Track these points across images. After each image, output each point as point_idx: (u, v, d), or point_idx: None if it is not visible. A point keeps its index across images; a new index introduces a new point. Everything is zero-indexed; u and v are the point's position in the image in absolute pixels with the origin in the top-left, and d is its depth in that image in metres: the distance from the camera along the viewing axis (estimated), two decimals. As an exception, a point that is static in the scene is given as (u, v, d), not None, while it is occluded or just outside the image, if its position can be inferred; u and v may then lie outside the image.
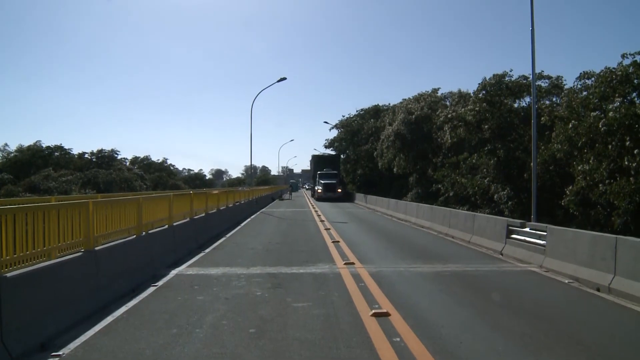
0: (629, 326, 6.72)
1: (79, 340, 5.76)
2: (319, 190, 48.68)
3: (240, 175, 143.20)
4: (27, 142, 57.66)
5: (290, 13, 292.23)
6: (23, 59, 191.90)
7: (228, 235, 17.32)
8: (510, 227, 12.77)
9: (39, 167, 48.42)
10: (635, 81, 15.86)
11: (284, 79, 38.05)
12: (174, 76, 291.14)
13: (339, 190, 48.83)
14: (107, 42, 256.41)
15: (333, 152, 63.74)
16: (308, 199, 55.97)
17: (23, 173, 46.93)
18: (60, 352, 5.34)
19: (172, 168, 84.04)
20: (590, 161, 16.06)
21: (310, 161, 63.90)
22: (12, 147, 58.81)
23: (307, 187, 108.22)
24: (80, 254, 7.16)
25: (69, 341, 5.69)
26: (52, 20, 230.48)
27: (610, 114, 15.21)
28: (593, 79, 18.48)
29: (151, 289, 8.50)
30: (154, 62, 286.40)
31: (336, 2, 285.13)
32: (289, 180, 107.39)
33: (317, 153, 66.29)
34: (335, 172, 50.69)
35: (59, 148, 57.47)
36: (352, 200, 46.40)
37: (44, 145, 56.07)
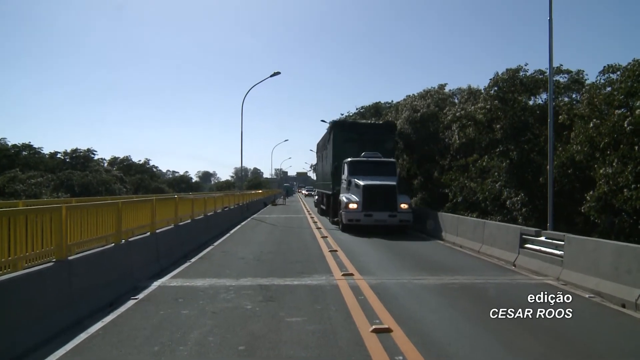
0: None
1: None
2: (352, 206, 21.68)
3: (229, 178, 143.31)
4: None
5: (285, 5, 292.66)
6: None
7: (216, 244, 17.30)
8: (524, 236, 12.77)
9: (3, 167, 47.88)
10: (668, 75, 15.84)
11: (278, 73, 38.12)
12: (159, 72, 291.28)
13: (405, 205, 21.72)
14: (84, 33, 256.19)
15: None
16: (306, 208, 46.26)
17: (-16, 174, 46.60)
18: (28, 373, 5.29)
19: (155, 170, 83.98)
20: (614, 164, 16.05)
21: (325, 139, 31.67)
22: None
23: (305, 191, 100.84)
24: (51, 264, 7.12)
25: (38, 361, 5.63)
26: (20, 5, 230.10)
27: (638, 111, 15.21)
28: (619, 73, 18.46)
29: (131, 303, 8.45)
30: (136, 56, 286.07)
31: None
32: (283, 184, 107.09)
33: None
34: (391, 160, 24.69)
35: (27, 147, 57.01)
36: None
37: (9, 144, 55.57)
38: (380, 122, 34.19)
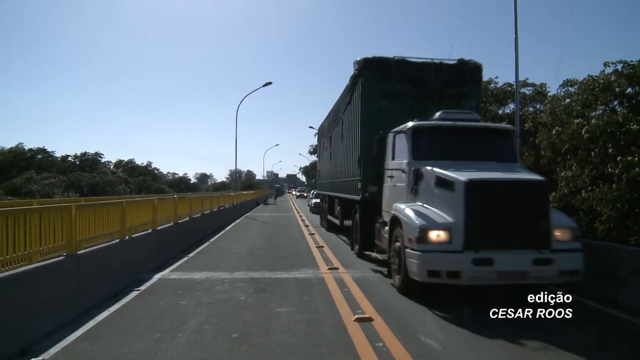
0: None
1: (60, 345, 5.72)
2: (439, 236, 7.34)
3: (225, 179, 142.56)
4: (9, 144, 56.47)
5: (277, 19, 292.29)
6: (7, 61, 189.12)
7: (212, 240, 17.28)
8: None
9: (20, 169, 47.57)
10: (617, 89, 16.08)
11: (270, 83, 37.96)
12: (160, 80, 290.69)
13: (564, 234, 7.42)
14: (92, 46, 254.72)
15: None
16: (295, 207, 45.22)
17: (4, 176, 46.20)
18: (40, 358, 5.31)
19: (156, 172, 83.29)
20: (573, 168, 16.24)
21: (341, 104, 15.32)
22: (-7, 149, 57.52)
23: (296, 192, 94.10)
24: (62, 257, 7.13)
25: (50, 346, 5.65)
26: (37, 23, 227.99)
27: (593, 121, 15.40)
28: (576, 86, 18.71)
29: (134, 294, 8.46)
30: (140, 66, 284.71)
31: (321, 8, 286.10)
32: (274, 185, 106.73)
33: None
34: (508, 127, 10.61)
35: (42, 151, 56.68)
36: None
37: (26, 148, 55.29)
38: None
